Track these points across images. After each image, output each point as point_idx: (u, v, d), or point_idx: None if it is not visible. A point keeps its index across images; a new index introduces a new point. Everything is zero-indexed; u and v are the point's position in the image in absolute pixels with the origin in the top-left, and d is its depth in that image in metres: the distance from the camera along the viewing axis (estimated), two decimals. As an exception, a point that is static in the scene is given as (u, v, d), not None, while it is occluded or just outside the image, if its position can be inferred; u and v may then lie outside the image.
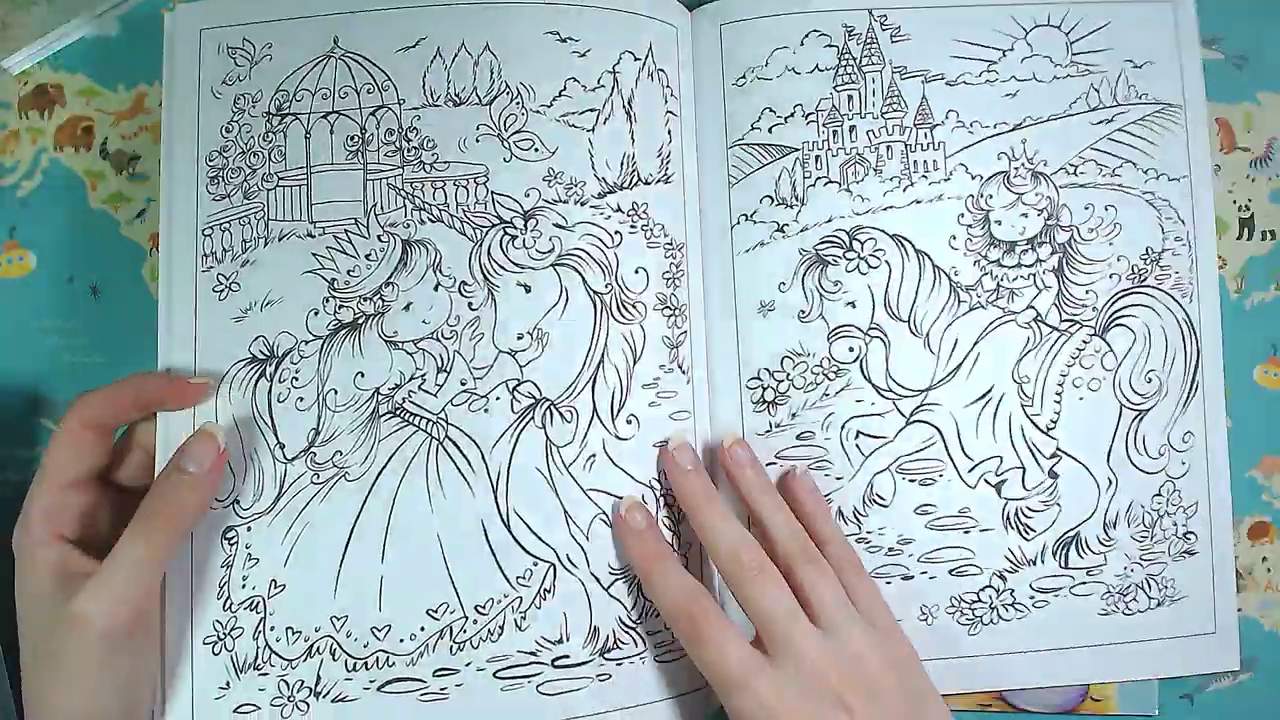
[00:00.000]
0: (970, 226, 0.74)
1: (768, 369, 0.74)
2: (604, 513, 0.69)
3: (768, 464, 0.73)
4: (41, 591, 0.60)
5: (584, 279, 0.70)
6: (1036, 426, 0.74)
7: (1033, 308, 0.74)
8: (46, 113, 0.82)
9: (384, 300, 0.68)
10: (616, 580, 0.69)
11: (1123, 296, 0.74)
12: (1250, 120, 0.81)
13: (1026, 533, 0.74)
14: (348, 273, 0.68)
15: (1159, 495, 0.75)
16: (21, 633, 0.62)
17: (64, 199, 0.81)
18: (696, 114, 0.75)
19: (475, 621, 0.67)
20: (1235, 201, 0.81)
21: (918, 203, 0.74)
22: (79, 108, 0.82)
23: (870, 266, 0.74)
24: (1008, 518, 0.74)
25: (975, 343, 0.74)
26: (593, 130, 0.71)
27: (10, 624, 0.77)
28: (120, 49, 0.82)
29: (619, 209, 0.71)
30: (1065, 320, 0.74)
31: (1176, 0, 0.76)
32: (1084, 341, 0.74)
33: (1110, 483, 0.75)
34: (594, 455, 0.69)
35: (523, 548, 0.67)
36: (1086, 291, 0.74)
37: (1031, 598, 0.74)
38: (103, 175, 0.81)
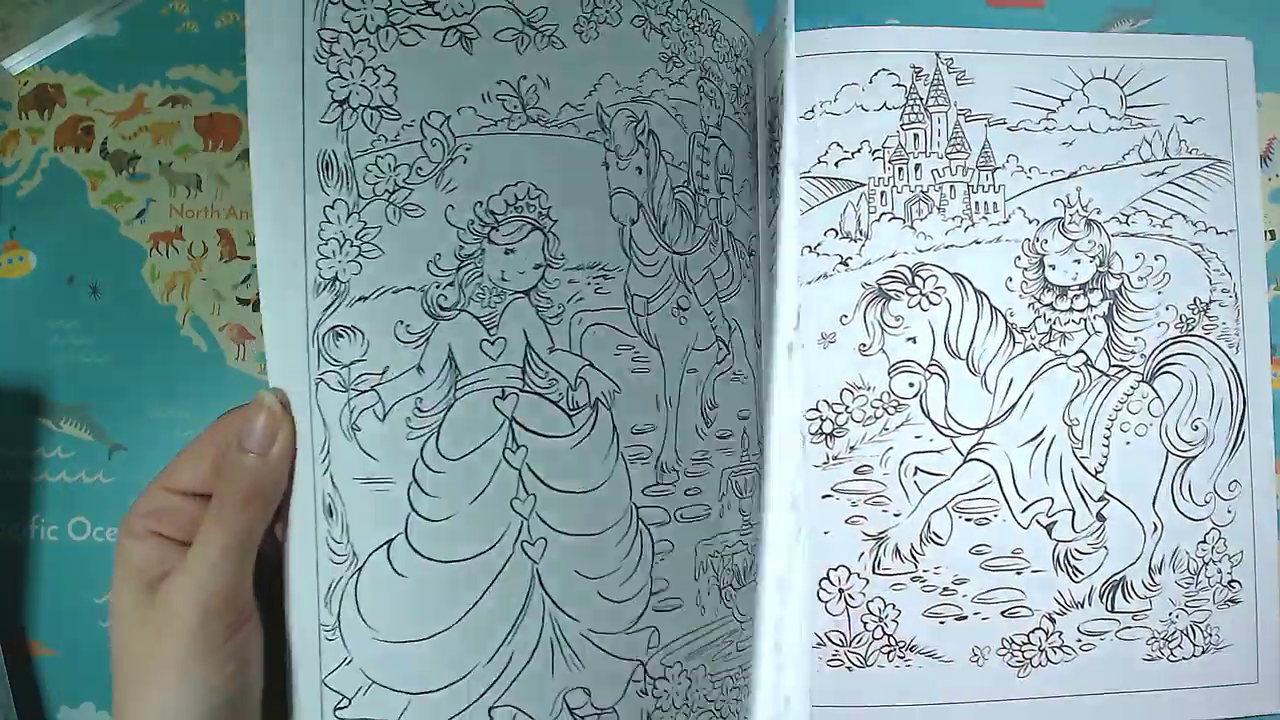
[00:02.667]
0: (1026, 269, 0.76)
1: (827, 400, 0.74)
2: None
3: (823, 496, 0.73)
4: (134, 592, 0.57)
5: None
6: (1085, 469, 0.75)
7: (1083, 352, 0.75)
8: (46, 113, 0.81)
9: None
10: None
11: (1170, 344, 0.77)
12: (1250, 120, 0.85)
13: (1075, 575, 0.75)
14: None
15: (1204, 542, 0.77)
16: (113, 646, 0.57)
17: (64, 199, 0.80)
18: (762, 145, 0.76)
19: None
20: (1236, 201, 0.84)
21: (978, 243, 0.75)
22: (79, 108, 0.81)
23: (931, 303, 0.75)
24: (1058, 559, 0.75)
25: (1029, 383, 0.75)
26: None
27: (11, 624, 0.76)
28: (120, 49, 0.82)
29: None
30: (1114, 365, 0.76)
31: (1229, 58, 0.79)
32: (1132, 387, 0.76)
33: (1156, 528, 0.76)
34: None
35: None
36: (1135, 338, 0.76)
37: (1079, 640, 0.75)
38: (103, 175, 0.80)
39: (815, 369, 0.75)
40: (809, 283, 0.75)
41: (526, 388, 0.59)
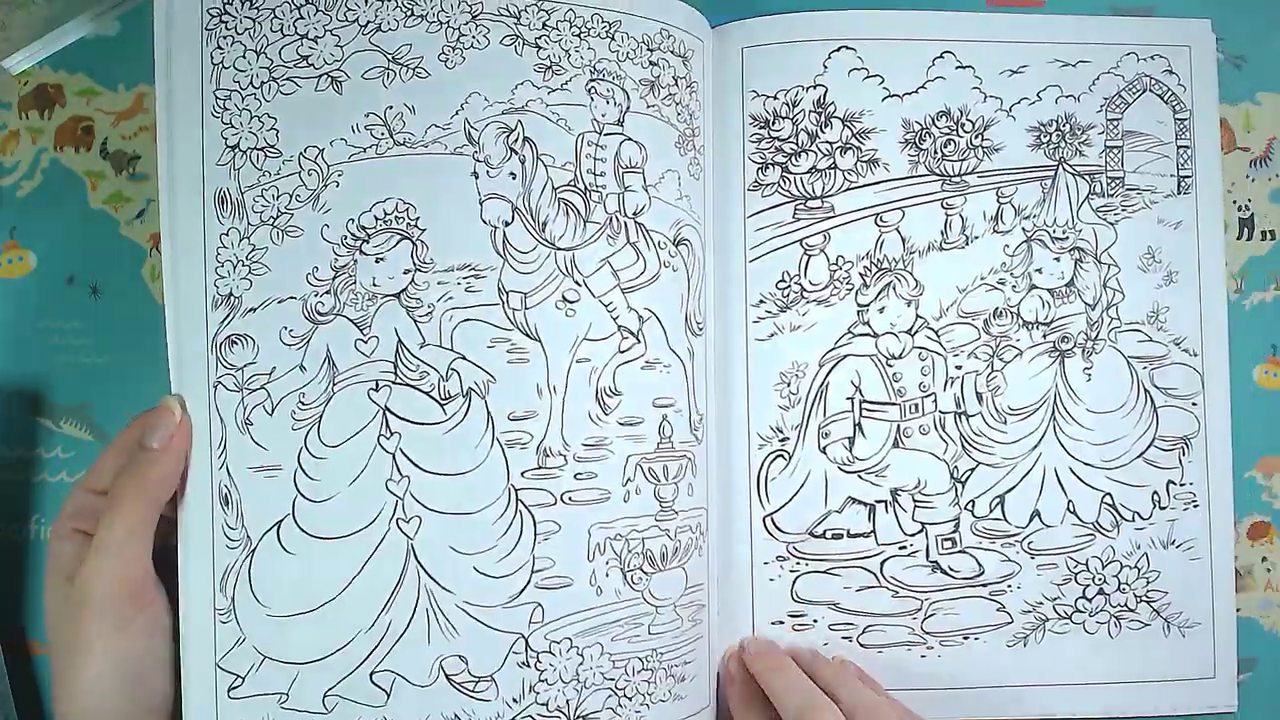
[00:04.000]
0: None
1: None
2: None
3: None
4: (60, 583, 0.65)
5: None
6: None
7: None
8: (46, 113, 0.81)
9: None
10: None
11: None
12: (1250, 120, 0.84)
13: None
14: None
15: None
16: (48, 631, 0.67)
17: (64, 199, 0.81)
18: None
19: None
20: (1235, 201, 0.83)
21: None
22: (79, 108, 0.81)
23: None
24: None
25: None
26: None
27: (10, 624, 0.75)
28: (120, 49, 0.82)
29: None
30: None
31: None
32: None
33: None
34: None
35: None
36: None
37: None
38: (103, 175, 0.81)
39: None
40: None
41: (399, 380, 0.67)
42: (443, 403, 0.67)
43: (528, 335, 0.69)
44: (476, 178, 0.68)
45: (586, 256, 0.70)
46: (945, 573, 0.77)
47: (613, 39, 0.72)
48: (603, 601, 0.69)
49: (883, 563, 0.77)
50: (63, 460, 0.79)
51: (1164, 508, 0.79)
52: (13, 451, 0.79)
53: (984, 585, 0.77)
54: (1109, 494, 0.78)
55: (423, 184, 0.68)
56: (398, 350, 0.67)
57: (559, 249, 0.69)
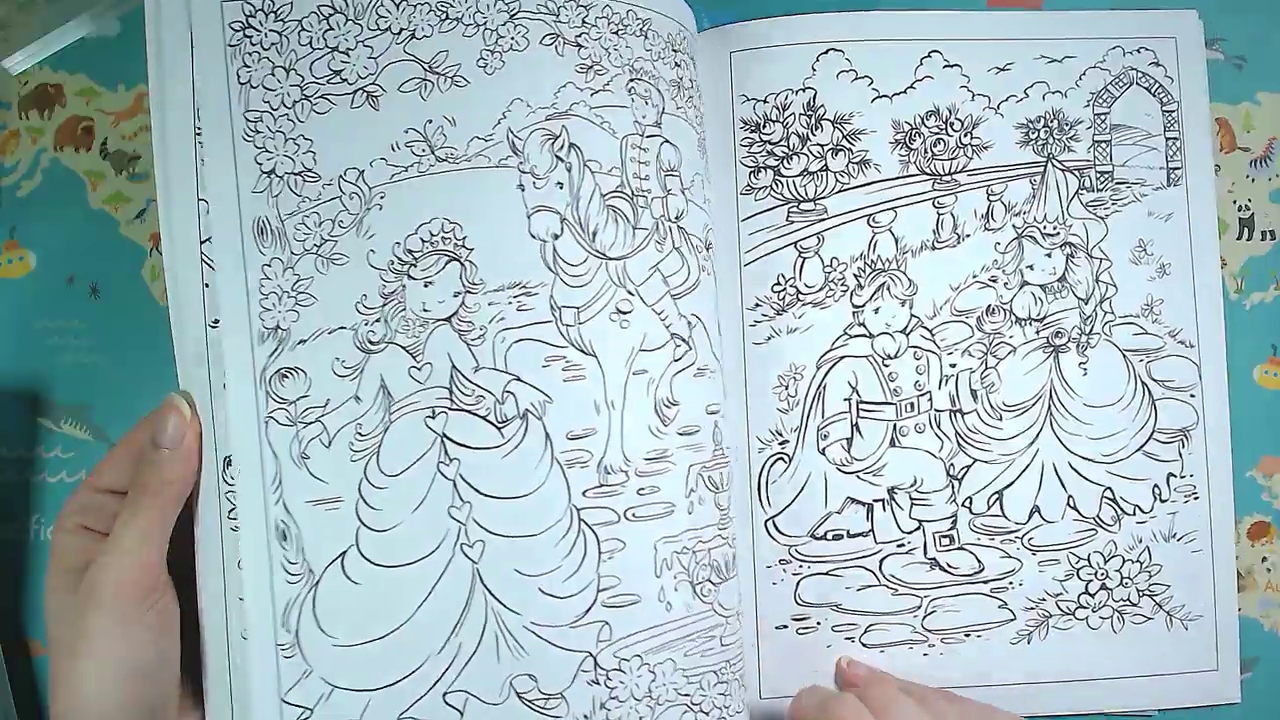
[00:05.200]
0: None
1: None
2: None
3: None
4: (64, 579, 0.64)
5: None
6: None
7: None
8: (46, 113, 0.82)
9: None
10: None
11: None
12: (1250, 120, 0.83)
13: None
14: None
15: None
16: (48, 628, 0.66)
17: (64, 199, 0.81)
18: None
19: None
20: (1235, 201, 0.83)
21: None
22: (79, 108, 0.82)
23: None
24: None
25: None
26: None
27: (10, 624, 0.75)
28: (120, 49, 0.83)
29: None
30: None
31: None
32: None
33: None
34: None
35: None
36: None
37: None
38: (103, 175, 0.81)
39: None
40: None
41: (454, 406, 0.65)
42: (500, 426, 0.65)
43: (583, 351, 0.66)
44: (523, 190, 0.66)
45: (637, 265, 0.68)
46: (944, 570, 0.77)
47: (645, 37, 0.71)
48: (673, 617, 0.67)
49: (881, 561, 0.77)
50: (63, 460, 0.79)
51: (1164, 500, 0.78)
52: (13, 451, 0.79)
53: (985, 582, 0.77)
54: (1109, 488, 0.78)
55: (468, 201, 0.66)
56: (452, 376, 0.65)
57: (609, 259, 0.67)
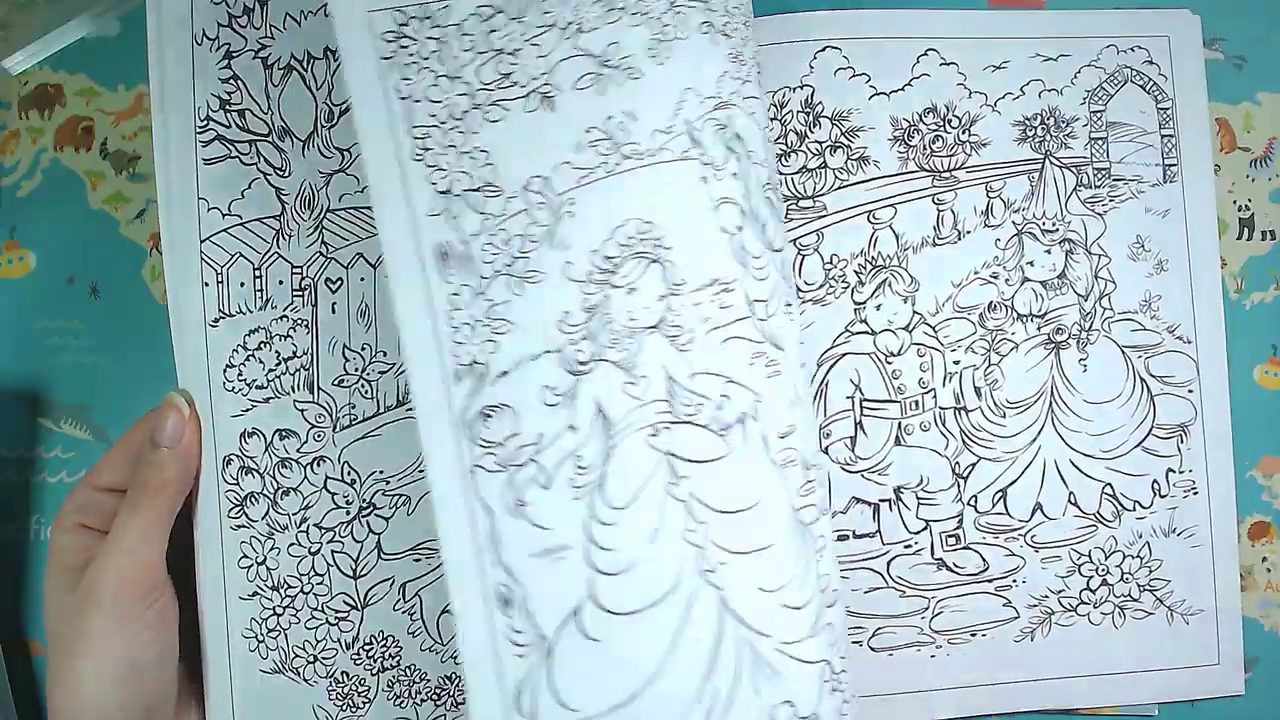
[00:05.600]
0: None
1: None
2: None
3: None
4: (63, 578, 0.65)
5: None
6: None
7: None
8: (46, 113, 0.82)
9: None
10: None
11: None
12: (1250, 120, 0.83)
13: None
14: None
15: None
16: (47, 626, 0.66)
17: (64, 199, 0.81)
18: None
19: None
20: (1235, 201, 0.82)
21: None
22: (79, 108, 0.82)
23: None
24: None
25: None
26: None
27: (10, 624, 0.75)
28: (120, 49, 0.82)
29: None
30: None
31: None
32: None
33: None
34: None
35: None
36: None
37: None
38: (103, 175, 0.81)
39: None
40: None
41: (676, 419, 0.59)
42: (722, 434, 0.60)
43: (776, 346, 0.62)
44: (705, 182, 0.61)
45: (787, 257, 0.66)
46: (951, 569, 0.77)
47: (747, 26, 0.67)
48: (841, 604, 0.65)
49: (889, 562, 0.77)
50: (63, 460, 0.79)
51: (1164, 496, 0.78)
52: (12, 451, 0.79)
53: (989, 581, 0.77)
54: (1109, 484, 0.78)
55: (658, 198, 0.61)
56: (669, 386, 0.59)
57: (774, 251, 0.64)
